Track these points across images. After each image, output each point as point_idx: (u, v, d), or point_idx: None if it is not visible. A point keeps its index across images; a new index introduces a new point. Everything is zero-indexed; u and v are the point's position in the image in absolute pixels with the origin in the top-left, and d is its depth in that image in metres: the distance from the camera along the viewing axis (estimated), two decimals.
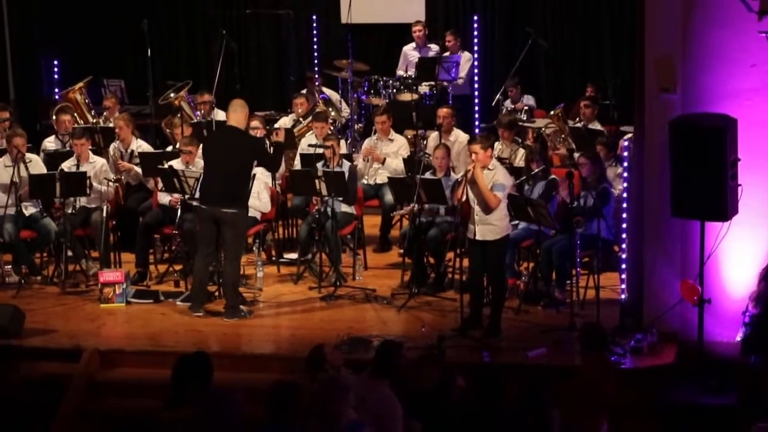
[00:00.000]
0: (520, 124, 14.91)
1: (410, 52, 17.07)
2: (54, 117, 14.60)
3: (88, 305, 12.27)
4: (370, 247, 13.78)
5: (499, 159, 12.79)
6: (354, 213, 13.16)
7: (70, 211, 12.90)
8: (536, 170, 12.32)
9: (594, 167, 12.02)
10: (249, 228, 12.60)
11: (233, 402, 8.28)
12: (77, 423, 10.38)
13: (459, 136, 14.31)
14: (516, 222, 11.95)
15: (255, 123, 13.74)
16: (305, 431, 7.62)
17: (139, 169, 13.72)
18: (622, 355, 10.42)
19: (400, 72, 16.93)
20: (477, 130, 16.01)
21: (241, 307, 11.79)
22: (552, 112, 15.07)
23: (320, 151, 13.16)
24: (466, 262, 11.70)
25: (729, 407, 9.73)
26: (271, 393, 7.75)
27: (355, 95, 16.61)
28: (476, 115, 16.71)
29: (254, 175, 12.32)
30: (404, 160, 13.76)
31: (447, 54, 16.70)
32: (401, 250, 13.13)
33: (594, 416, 9.01)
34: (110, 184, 13.25)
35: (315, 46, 18.07)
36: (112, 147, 14.07)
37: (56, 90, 16.87)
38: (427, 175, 12.42)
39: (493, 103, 16.33)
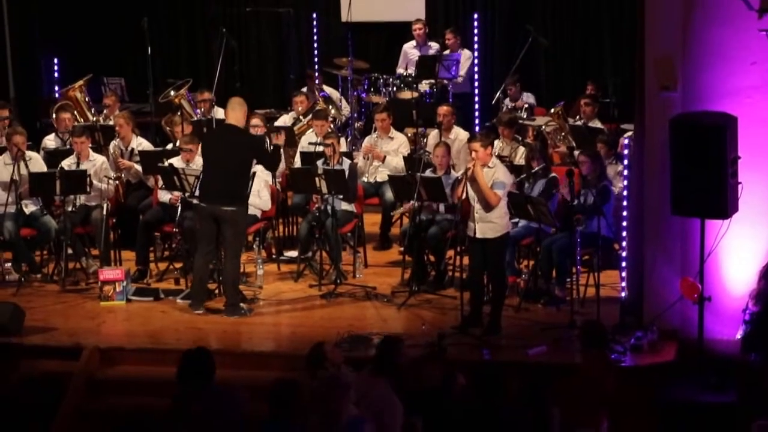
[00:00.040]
0: (521, 122, 14.91)
1: (410, 50, 17.07)
2: (54, 115, 14.60)
3: (88, 303, 12.27)
4: (370, 245, 13.78)
5: (500, 157, 12.80)
6: (354, 211, 13.16)
7: (70, 209, 12.91)
8: (536, 168, 12.32)
9: (594, 165, 12.02)
10: (249, 226, 12.60)
11: (236, 399, 8.29)
12: (77, 422, 10.37)
13: (459, 134, 14.31)
14: (516, 220, 11.95)
15: (256, 121, 13.74)
16: (306, 428, 7.62)
17: (139, 167, 13.72)
18: (622, 353, 10.42)
19: (400, 70, 16.92)
20: (477, 129, 16.01)
21: (242, 304, 11.79)
22: (552, 110, 15.06)
23: (320, 149, 13.16)
24: (466, 260, 11.70)
25: (729, 405, 9.74)
26: (272, 391, 7.75)
27: (355, 93, 16.61)
28: (476, 114, 16.71)
29: (254, 173, 12.33)
30: (404, 158, 13.76)
31: (447, 52, 16.69)
32: (401, 248, 13.14)
33: (594, 414, 9.02)
34: (110, 182, 13.25)
35: (315, 44, 18.07)
36: (113, 145, 14.07)
37: (56, 88, 16.88)
38: (428, 173, 12.42)
39: (493, 102, 16.33)
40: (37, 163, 13.10)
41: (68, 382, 10.52)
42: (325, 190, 12.48)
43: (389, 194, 13.47)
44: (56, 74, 17.46)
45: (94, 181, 12.98)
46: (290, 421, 7.63)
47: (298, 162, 13.96)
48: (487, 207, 10.98)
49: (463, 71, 16.55)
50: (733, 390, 9.88)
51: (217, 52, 16.51)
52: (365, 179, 14.01)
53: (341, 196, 12.70)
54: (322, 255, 12.73)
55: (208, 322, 11.58)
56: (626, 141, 11.95)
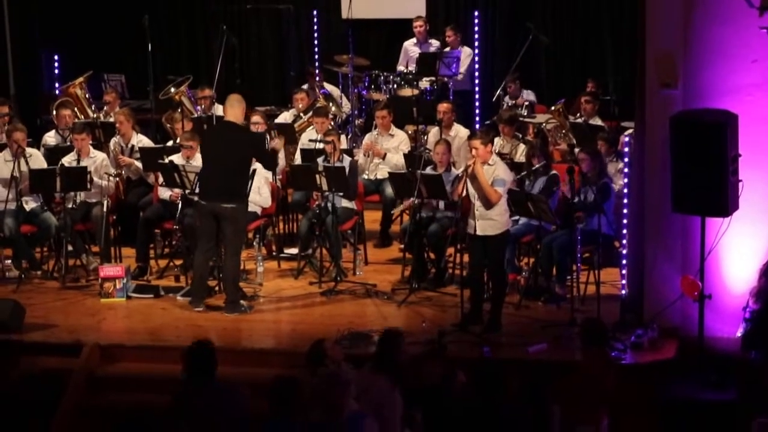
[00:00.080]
0: (521, 119, 14.91)
1: (411, 47, 17.05)
2: (54, 112, 14.61)
3: (88, 300, 12.27)
4: (370, 242, 13.78)
5: (500, 154, 12.80)
6: (354, 208, 13.16)
7: (70, 205, 12.92)
8: (537, 166, 12.31)
9: (594, 162, 12.01)
10: (249, 223, 12.60)
11: (238, 395, 8.29)
12: (78, 418, 10.37)
13: (459, 132, 14.31)
14: (516, 217, 11.95)
15: (256, 118, 13.76)
16: (307, 425, 7.61)
17: (139, 164, 13.72)
18: (622, 351, 10.42)
19: (400, 67, 16.90)
20: (477, 126, 16.00)
21: (242, 302, 11.80)
22: (553, 108, 15.06)
23: (321, 146, 13.14)
24: (466, 258, 11.70)
25: (729, 403, 9.74)
26: (272, 388, 7.75)
27: (355, 90, 16.60)
28: (477, 111, 16.70)
29: (254, 170, 12.32)
30: (405, 155, 13.76)
31: (447, 49, 16.68)
32: (402, 246, 13.14)
33: (594, 411, 9.02)
34: (111, 178, 13.25)
35: (316, 41, 18.05)
36: (113, 142, 14.06)
37: (56, 85, 16.86)
38: (428, 171, 12.42)
39: (494, 99, 16.32)
40: (37, 159, 13.10)
41: (68, 379, 10.53)
42: (325, 187, 12.48)
43: (390, 191, 13.47)
44: (56, 71, 17.43)
45: (95, 178, 12.98)
46: (290, 419, 7.62)
47: (298, 159, 13.95)
48: (488, 204, 10.98)
49: (463, 68, 16.54)
50: (733, 388, 9.88)
51: (218, 49, 16.53)
52: (366, 176, 14.01)
53: (341, 194, 12.70)
54: (322, 252, 12.73)
55: (208, 319, 11.58)
56: (627, 138, 11.93)
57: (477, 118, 16.58)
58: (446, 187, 11.99)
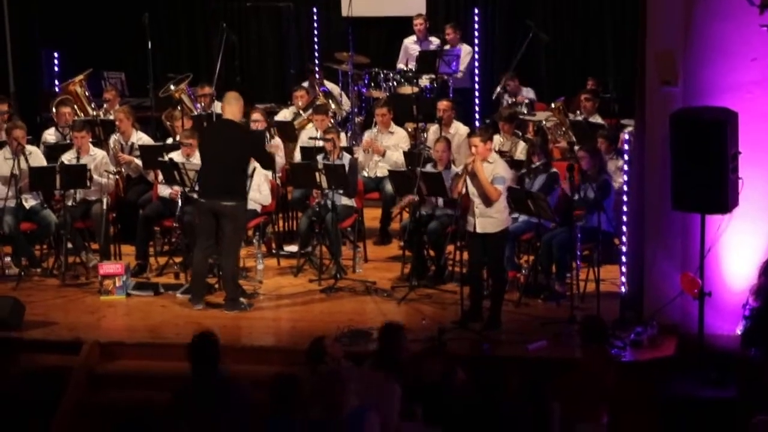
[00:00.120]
0: (521, 117, 14.91)
1: (411, 45, 17.05)
2: (54, 109, 14.60)
3: (88, 297, 12.27)
4: (370, 240, 13.78)
5: (500, 152, 12.80)
6: (354, 206, 13.16)
7: (70, 203, 12.92)
8: (537, 164, 12.31)
9: (593, 160, 12.01)
10: (249, 220, 12.60)
11: (241, 387, 8.32)
12: (78, 416, 10.37)
13: (459, 129, 14.31)
14: (516, 215, 11.94)
15: (256, 115, 13.76)
16: (307, 423, 7.61)
17: (139, 162, 13.72)
18: (622, 348, 10.42)
19: (400, 65, 16.91)
20: (477, 124, 16.00)
21: (241, 299, 11.80)
22: (553, 105, 15.06)
23: (320, 143, 13.15)
24: (466, 255, 11.70)
25: (729, 400, 9.74)
26: (272, 385, 7.75)
27: (355, 88, 16.59)
28: (477, 109, 16.70)
29: (254, 168, 12.34)
30: (404, 153, 13.75)
31: (447, 47, 16.68)
32: (401, 243, 13.13)
33: (594, 409, 9.02)
34: (110, 176, 13.25)
35: (315, 39, 18.06)
36: (113, 139, 14.06)
37: (56, 82, 16.85)
38: (428, 168, 12.42)
39: (494, 97, 16.31)
40: (37, 157, 13.10)
41: (68, 377, 10.53)
42: (325, 184, 12.48)
43: (389, 189, 13.47)
44: (56, 68, 17.43)
45: (94, 176, 12.98)
46: (291, 416, 7.62)
47: (298, 157, 13.95)
48: (488, 202, 10.98)
49: (462, 66, 16.54)
50: (733, 385, 9.89)
51: (218, 47, 16.51)
52: (365, 174, 14.01)
53: (341, 191, 12.70)
54: (322, 250, 12.73)
55: (207, 317, 11.57)
56: (627, 136, 11.94)
57: (477, 116, 16.58)
58: (446, 185, 11.99)
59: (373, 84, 16.36)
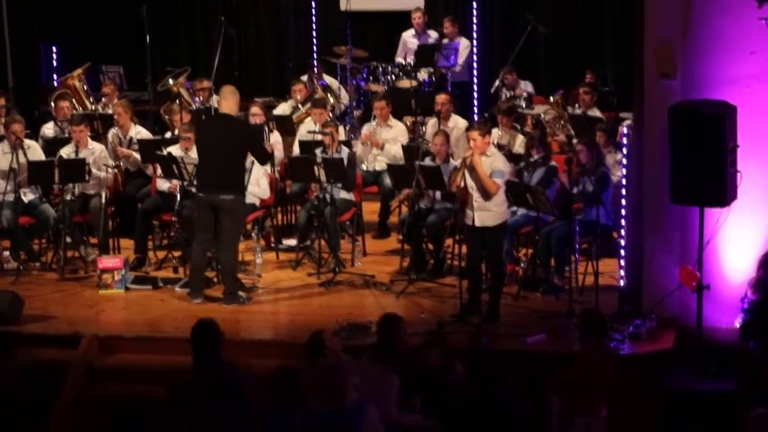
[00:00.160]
0: (519, 110, 14.90)
1: (409, 39, 17.04)
2: (53, 103, 14.59)
3: (86, 291, 12.27)
4: (369, 234, 13.78)
5: (498, 146, 12.80)
6: (353, 199, 13.16)
7: (68, 197, 12.91)
8: (536, 157, 12.31)
9: (591, 153, 12.01)
10: (248, 214, 12.60)
11: (242, 379, 8.44)
12: (76, 410, 10.38)
13: (458, 123, 14.31)
14: (515, 208, 11.94)
15: (255, 109, 13.75)
16: (307, 416, 7.61)
17: (137, 156, 13.72)
18: (621, 341, 10.43)
19: (399, 59, 16.90)
20: (476, 117, 15.99)
21: (240, 293, 11.80)
22: (551, 99, 15.05)
23: (319, 137, 13.15)
24: (465, 249, 11.70)
25: (728, 393, 9.75)
26: (272, 379, 7.76)
27: (354, 82, 16.58)
28: (475, 102, 16.69)
29: (253, 162, 12.34)
30: (403, 147, 13.74)
31: (445, 41, 16.67)
32: (400, 237, 13.13)
33: (593, 402, 9.04)
34: (109, 170, 13.25)
35: (314, 33, 18.05)
36: (111, 133, 14.06)
37: (55, 76, 16.86)
38: (427, 162, 12.42)
39: (492, 90, 16.30)
40: (35, 151, 13.10)
41: (67, 371, 10.53)
42: (323, 178, 12.48)
43: (388, 183, 13.47)
44: (55, 63, 17.43)
45: (93, 170, 12.98)
46: (291, 409, 7.62)
47: (296, 151, 13.95)
48: (486, 196, 10.98)
49: (461, 60, 16.54)
50: (731, 378, 9.90)
51: (216, 41, 16.49)
52: (364, 167, 14.01)
53: (340, 185, 12.70)
54: (320, 243, 12.72)
55: (206, 311, 11.53)
56: (625, 129, 11.93)
57: (475, 110, 16.57)
58: (445, 179, 11.99)
59: (371, 78, 16.36)
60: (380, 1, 18.19)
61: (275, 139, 13.97)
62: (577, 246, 11.84)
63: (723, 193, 9.96)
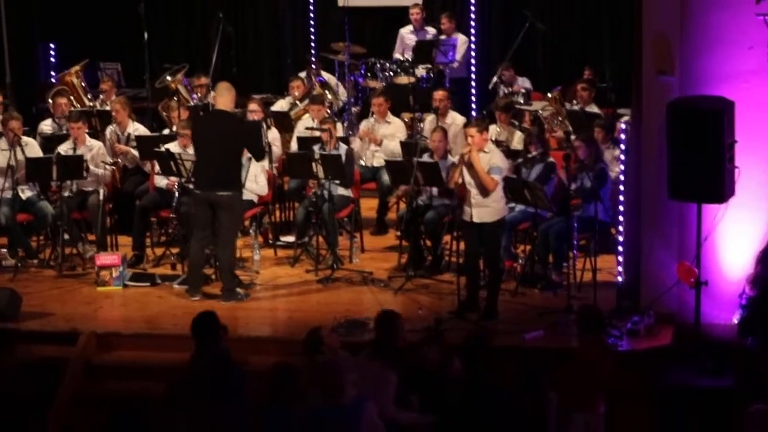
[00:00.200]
0: (517, 107, 14.90)
1: (407, 35, 17.02)
2: (50, 100, 14.59)
3: (84, 288, 12.27)
4: (367, 230, 13.79)
5: (497, 142, 12.80)
6: (351, 196, 13.16)
7: (66, 194, 12.92)
8: (534, 153, 12.31)
9: (589, 149, 12.01)
10: (246, 211, 12.60)
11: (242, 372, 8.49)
12: (74, 407, 10.37)
13: (456, 119, 14.30)
14: (513, 205, 11.94)
15: (253, 106, 13.74)
16: (306, 412, 7.61)
17: (135, 153, 13.71)
18: (619, 338, 10.43)
19: (397, 55, 16.89)
20: (474, 114, 15.99)
21: (238, 290, 11.80)
22: (549, 95, 15.04)
23: (317, 134, 13.14)
24: (462, 245, 11.69)
25: (726, 389, 9.76)
26: (271, 376, 7.76)
27: (352, 78, 16.58)
28: (473, 99, 16.68)
29: (250, 157, 12.33)
30: (401, 143, 13.74)
31: (443, 37, 16.66)
32: (398, 233, 13.13)
33: (591, 398, 9.03)
34: (107, 167, 13.24)
35: (312, 29, 18.04)
36: (109, 130, 14.05)
37: (53, 73, 16.85)
38: (425, 158, 12.41)
39: (490, 87, 16.30)
40: (33, 148, 13.09)
41: (65, 368, 10.52)
42: (321, 175, 12.47)
43: (386, 179, 13.47)
44: (53, 59, 17.42)
45: (91, 167, 12.97)
46: (289, 406, 7.62)
47: (294, 147, 13.94)
48: (484, 192, 10.98)
49: (458, 56, 16.53)
50: (729, 374, 9.90)
51: (214, 37, 16.49)
52: (362, 163, 14.01)
53: (338, 181, 12.69)
54: (318, 240, 12.72)
55: (204, 308, 11.42)
56: (623, 125, 11.94)
57: (473, 106, 16.56)
58: (443, 175, 11.99)
59: (369, 74, 16.34)
60: None
61: (273, 135, 13.97)
62: (575, 242, 11.84)
63: (721, 189, 9.96)
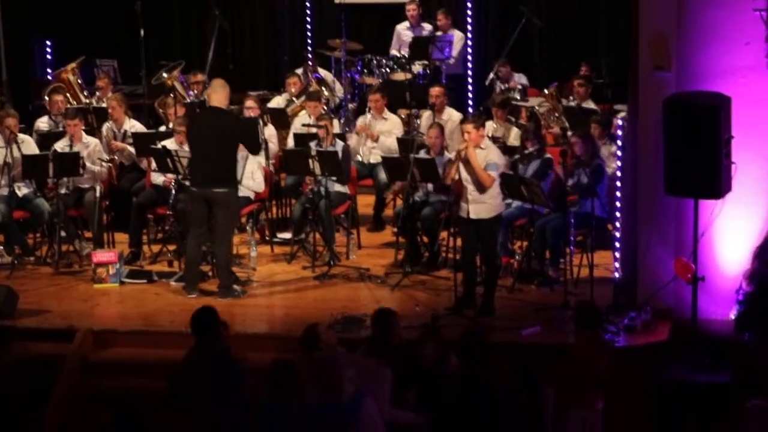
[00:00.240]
0: (514, 103, 14.90)
1: (404, 31, 17.00)
2: (47, 97, 14.56)
3: (81, 285, 12.26)
4: (363, 227, 13.78)
5: (493, 138, 12.80)
6: (348, 192, 13.15)
7: (63, 191, 12.91)
8: (531, 149, 12.30)
9: (586, 145, 12.01)
10: (242, 208, 12.59)
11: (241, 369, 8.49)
12: (71, 404, 10.37)
13: (452, 115, 14.30)
14: (509, 201, 11.94)
15: (250, 103, 13.74)
16: (304, 409, 7.61)
17: (132, 149, 13.70)
18: (615, 333, 10.43)
19: (393, 51, 16.87)
20: (470, 110, 15.98)
21: (235, 286, 11.79)
22: (546, 91, 15.04)
23: (314, 130, 13.14)
24: (459, 241, 11.69)
25: (723, 385, 9.77)
26: (269, 372, 7.75)
27: (348, 75, 16.55)
28: (470, 95, 16.68)
29: (247, 155, 12.32)
30: (398, 139, 13.73)
31: (439, 33, 16.65)
32: (395, 230, 13.13)
33: (588, 394, 9.03)
34: (103, 164, 13.23)
35: (308, 26, 18.02)
36: (105, 127, 14.03)
37: (49, 70, 16.81)
38: (422, 154, 12.41)
39: (487, 83, 16.30)
40: (29, 145, 13.08)
41: (62, 365, 10.52)
42: (318, 171, 12.46)
43: (383, 176, 13.47)
44: (49, 56, 17.39)
45: (87, 164, 12.96)
46: (288, 403, 7.62)
47: (291, 144, 13.93)
48: (481, 188, 10.97)
49: (455, 52, 16.51)
50: (726, 370, 9.91)
51: (210, 34, 16.47)
52: (359, 158, 14.00)
53: (334, 178, 12.68)
54: (315, 237, 12.72)
55: (201, 304, 11.48)
56: (620, 121, 11.93)
57: (470, 102, 16.55)
58: (440, 171, 11.98)
59: (366, 70, 16.33)
60: None
61: (270, 132, 13.96)
62: (572, 238, 11.83)
63: (718, 185, 9.96)
